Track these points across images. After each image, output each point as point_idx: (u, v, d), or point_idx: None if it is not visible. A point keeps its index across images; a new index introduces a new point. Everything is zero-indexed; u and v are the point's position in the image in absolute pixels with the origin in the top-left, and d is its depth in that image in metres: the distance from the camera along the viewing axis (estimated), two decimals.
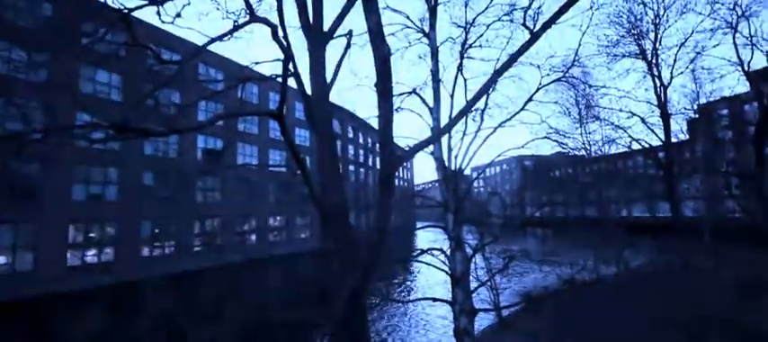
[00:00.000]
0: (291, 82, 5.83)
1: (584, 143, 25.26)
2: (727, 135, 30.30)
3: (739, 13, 16.13)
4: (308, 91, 6.15)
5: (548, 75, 10.62)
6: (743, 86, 21.00)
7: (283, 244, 31.73)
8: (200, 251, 25.32)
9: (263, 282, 25.93)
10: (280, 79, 5.34)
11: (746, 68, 17.28)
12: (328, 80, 6.30)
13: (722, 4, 16.40)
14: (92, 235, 20.21)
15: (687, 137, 30.74)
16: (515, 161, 78.04)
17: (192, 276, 23.29)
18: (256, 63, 7.48)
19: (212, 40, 5.41)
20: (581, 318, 13.97)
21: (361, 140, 48.80)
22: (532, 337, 13.90)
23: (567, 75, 10.73)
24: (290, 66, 5.48)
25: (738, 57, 17.08)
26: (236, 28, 5.56)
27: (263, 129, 31.49)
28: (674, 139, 21.35)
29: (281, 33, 5.41)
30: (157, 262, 22.51)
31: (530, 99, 10.35)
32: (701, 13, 17.31)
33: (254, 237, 29.63)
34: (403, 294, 23.17)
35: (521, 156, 62.15)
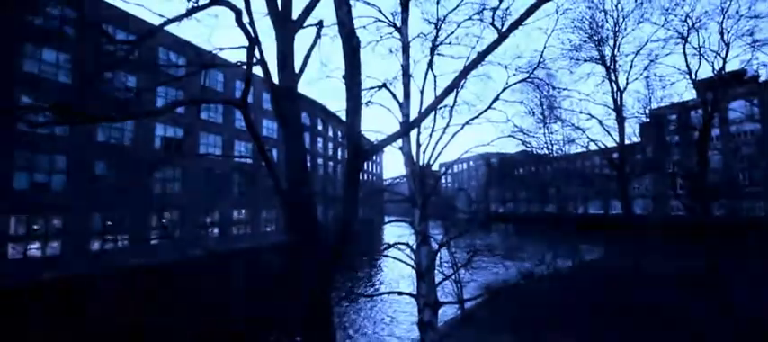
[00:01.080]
0: (258, 71, 5.64)
1: (546, 143, 26.28)
2: (674, 139, 32.57)
3: (690, 24, 17.28)
4: (276, 81, 5.96)
5: (514, 75, 10.91)
6: (690, 94, 22.56)
7: (248, 238, 30.91)
8: (158, 245, 24.17)
9: (224, 276, 25.13)
10: (245, 67, 5.14)
11: (694, 77, 18.59)
12: (297, 70, 6.14)
13: (675, 16, 17.52)
14: (35, 227, 18.76)
15: (639, 139, 32.81)
16: (482, 158, 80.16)
17: (146, 271, 22.19)
18: (220, 49, 7.17)
19: (169, 21, 5.10)
20: (537, 307, 14.73)
21: (330, 133, 48.27)
22: (492, 326, 14.52)
23: (532, 76, 11.08)
24: (256, 53, 5.29)
25: (687, 66, 18.33)
26: (196, 9, 5.26)
27: (228, 118, 30.37)
28: (627, 141, 22.67)
29: (245, 19, 5.19)
30: (109, 256, 21.26)
31: (497, 98, 10.57)
32: (655, 24, 18.38)
33: (216, 230, 28.63)
34: (370, 289, 23.26)
35: (487, 153, 64.00)
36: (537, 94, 19.78)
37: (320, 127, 45.76)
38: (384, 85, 11.35)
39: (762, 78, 22.98)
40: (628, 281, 17.76)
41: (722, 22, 16.61)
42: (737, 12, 16.45)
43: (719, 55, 17.44)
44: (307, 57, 6.80)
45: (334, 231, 5.41)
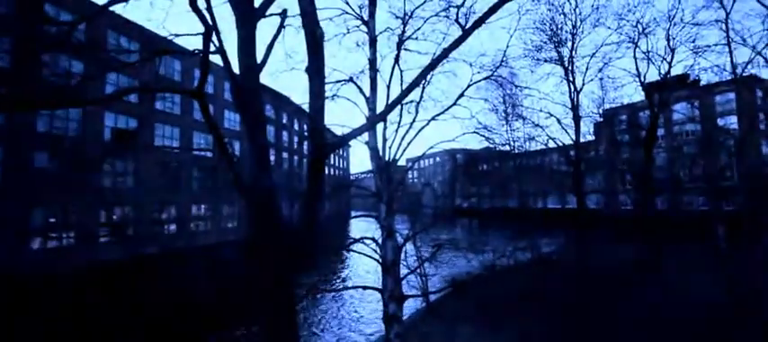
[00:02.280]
0: (219, 60, 5.37)
1: (508, 139, 27.17)
2: (624, 137, 34.69)
3: (640, 30, 18.39)
4: (237, 70, 5.71)
5: (479, 72, 11.14)
6: (639, 96, 24.11)
7: (208, 234, 29.74)
8: (108, 242, 22.72)
9: (178, 274, 23.97)
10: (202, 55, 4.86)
11: (643, 80, 19.85)
12: (259, 61, 5.92)
13: (627, 22, 18.59)
14: None
15: (593, 138, 34.69)
16: (448, 154, 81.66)
17: (93, 270, 20.77)
18: (175, 35, 6.75)
19: (115, 1, 4.73)
20: (497, 298, 15.34)
21: (296, 127, 47.32)
22: (456, 318, 14.93)
23: (495, 74, 11.37)
24: (215, 41, 5.02)
25: (637, 69, 19.55)
26: None
27: (187, 109, 28.91)
28: (582, 140, 23.88)
29: (202, 4, 4.90)
30: (52, 254, 19.73)
31: (461, 95, 10.76)
32: (610, 28, 19.42)
33: (173, 226, 27.30)
34: (335, 283, 23.12)
35: (453, 149, 65.32)
36: (500, 92, 20.35)
37: (285, 120, 44.73)
38: (351, 79, 11.23)
39: (702, 82, 24.93)
40: (579, 271, 18.87)
41: (669, 28, 17.82)
42: (682, 19, 17.71)
43: (666, 59, 18.72)
44: (269, 47, 6.56)
45: (297, 226, 5.28)
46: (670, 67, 18.79)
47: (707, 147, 28.13)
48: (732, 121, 35.39)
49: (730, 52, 17.51)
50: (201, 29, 4.36)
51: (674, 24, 17.69)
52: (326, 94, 11.45)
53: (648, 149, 19.72)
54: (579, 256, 22.13)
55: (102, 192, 22.42)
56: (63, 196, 20.29)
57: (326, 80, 11.57)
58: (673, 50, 18.13)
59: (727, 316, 12.79)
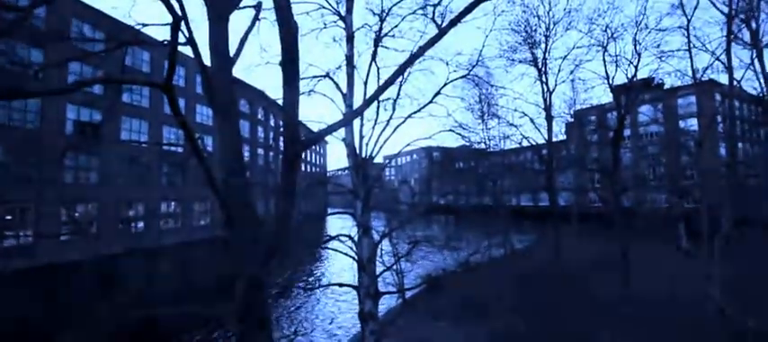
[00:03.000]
0: (190, 51, 5.18)
1: (484, 138, 27.68)
2: (594, 138, 36.00)
3: (609, 34, 19.06)
4: (208, 63, 5.53)
5: (455, 71, 11.26)
6: (607, 97, 25.05)
7: (178, 232, 28.76)
8: (70, 241, 21.61)
9: (147, 274, 23.06)
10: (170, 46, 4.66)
11: (611, 82, 20.59)
12: (232, 54, 5.76)
13: (597, 26, 19.24)
14: None
15: (565, 137, 35.82)
16: (424, 152, 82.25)
17: (55, 269, 19.67)
18: (143, 25, 6.48)
19: None
20: (472, 294, 15.64)
21: (272, 122, 46.46)
22: (431, 313, 15.12)
23: (471, 73, 11.53)
24: (185, 31, 4.83)
25: (606, 72, 20.27)
26: None
27: (156, 102, 27.76)
28: (554, 139, 24.62)
29: None
30: (6, 254, 18.57)
31: (438, 92, 10.86)
32: (581, 32, 20.06)
33: (141, 224, 26.23)
34: (312, 281, 22.92)
35: (430, 147, 65.88)
36: (476, 91, 20.66)
37: (261, 115, 43.82)
38: (327, 75, 11.12)
39: (666, 86, 26.16)
40: (550, 266, 19.52)
41: (636, 33, 18.53)
42: (647, 25, 18.46)
43: (632, 63, 19.48)
44: (243, 40, 6.40)
45: (271, 223, 5.19)
46: (636, 70, 19.57)
47: (669, 147, 29.58)
48: (692, 124, 37.38)
49: (691, 57, 18.42)
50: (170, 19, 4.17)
51: (641, 30, 18.44)
52: (302, 90, 11.29)
53: (615, 149, 20.52)
54: (550, 252, 22.86)
55: (63, 188, 21.26)
56: (21, 192, 19.12)
57: (302, 75, 11.41)
58: (639, 55, 18.89)
59: (686, 306, 13.54)
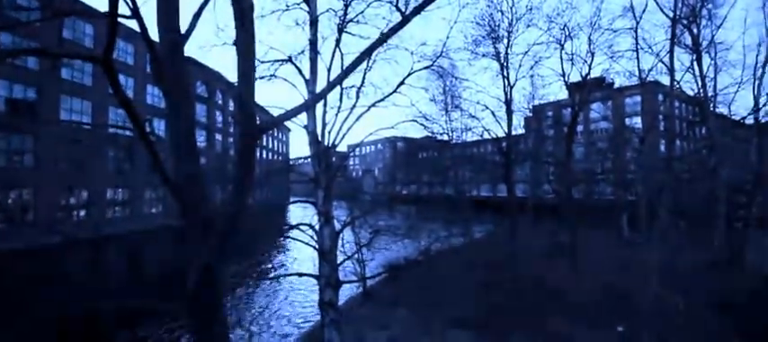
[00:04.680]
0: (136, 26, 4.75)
1: (447, 129, 28.14)
2: (550, 132, 37.70)
3: (566, 33, 19.88)
4: (157, 39, 5.11)
5: (419, 61, 11.27)
6: (564, 94, 26.22)
7: (126, 221, 27.04)
8: (1, 230, 19.73)
9: (89, 265, 21.49)
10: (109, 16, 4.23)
11: (567, 80, 21.56)
12: (183, 30, 5.35)
13: (556, 24, 19.97)
14: None
15: (523, 131, 37.25)
16: (388, 142, 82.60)
17: None
18: None
19: None
20: (431, 282, 16.01)
21: (231, 107, 44.60)
22: (391, 301, 15.32)
23: (435, 64, 11.60)
24: (128, 1, 4.41)
25: (563, 69, 21.18)
26: None
27: (100, 80, 25.57)
28: (514, 132, 25.47)
29: None
30: None
31: (402, 82, 10.83)
32: (541, 29, 20.70)
33: (83, 212, 24.37)
34: (270, 272, 22.41)
35: (394, 137, 66.34)
36: (440, 83, 20.89)
37: (220, 99, 41.92)
38: (290, 59, 10.75)
39: (616, 85, 27.79)
40: (507, 254, 20.39)
41: (591, 34, 19.46)
42: (600, 26, 19.44)
43: (586, 62, 20.49)
44: (196, 16, 5.95)
45: (225, 212, 4.93)
46: (590, 69, 20.62)
47: (616, 143, 31.60)
48: (637, 122, 40.10)
49: (638, 59, 19.60)
50: None
51: (595, 30, 19.38)
52: (263, 74, 10.89)
53: (569, 144, 21.60)
54: (507, 241, 23.82)
55: None
56: None
57: (263, 58, 10.95)
58: (593, 54, 19.88)
59: (625, 290, 14.63)
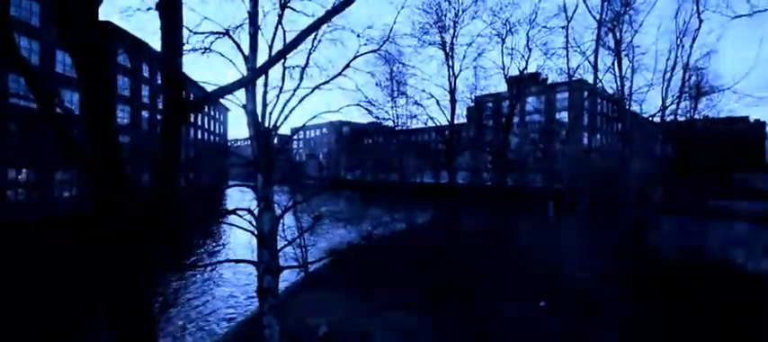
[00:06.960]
0: None
1: (392, 116, 28.36)
2: (489, 122, 39.65)
3: (508, 28, 20.82)
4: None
5: (366, 44, 11.11)
6: (503, 87, 27.59)
7: (32, 206, 23.88)
8: None
9: None
10: None
11: (506, 73, 22.69)
12: None
13: (498, 19, 20.84)
14: None
15: (466, 120, 38.78)
16: (333, 126, 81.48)
17: None
18: None
19: None
20: (373, 265, 16.27)
21: (159, 81, 40.92)
22: (332, 286, 15.32)
23: (382, 48, 11.53)
24: None
25: (503, 63, 22.24)
26: None
27: None
28: (457, 121, 26.39)
29: None
30: None
31: (347, 65, 10.62)
32: (485, 22, 21.50)
33: None
34: (204, 260, 21.23)
35: (339, 121, 65.60)
36: (387, 68, 20.88)
37: (147, 72, 38.20)
38: (227, 33, 10.01)
39: (549, 81, 29.84)
40: (447, 237, 21.30)
41: (528, 31, 20.59)
42: (537, 23, 20.66)
43: (524, 57, 21.72)
44: None
45: (150, 196, 4.47)
46: (527, 64, 21.90)
47: (546, 135, 34.15)
48: (564, 116, 43.60)
49: (567, 57, 21.13)
50: None
51: (533, 27, 20.53)
52: (197, 46, 10.04)
53: (506, 134, 22.90)
54: (447, 225, 24.85)
55: None
56: None
57: (197, 29, 10.07)
58: (530, 50, 21.11)
59: (547, 266, 16.06)
